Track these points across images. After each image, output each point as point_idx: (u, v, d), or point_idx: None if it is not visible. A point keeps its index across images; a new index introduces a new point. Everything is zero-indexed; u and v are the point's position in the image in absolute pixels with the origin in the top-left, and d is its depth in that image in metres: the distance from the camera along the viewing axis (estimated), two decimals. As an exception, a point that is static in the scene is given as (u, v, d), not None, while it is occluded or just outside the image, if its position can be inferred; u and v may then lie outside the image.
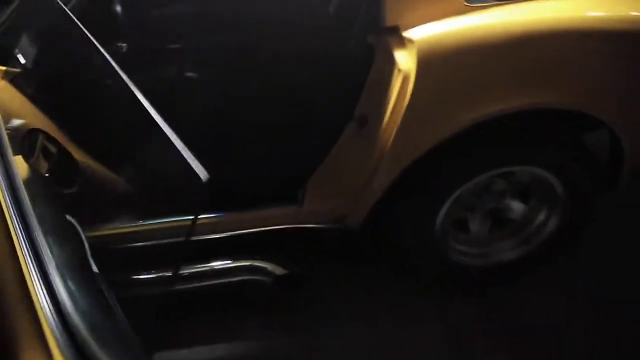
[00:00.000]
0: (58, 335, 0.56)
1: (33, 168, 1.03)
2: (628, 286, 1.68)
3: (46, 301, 0.59)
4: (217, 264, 1.49)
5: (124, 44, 1.49)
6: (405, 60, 1.32)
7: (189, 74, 1.65)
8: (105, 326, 0.70)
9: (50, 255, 0.67)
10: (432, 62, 1.30)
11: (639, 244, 1.79)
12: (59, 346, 0.55)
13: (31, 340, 0.55)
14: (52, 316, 0.58)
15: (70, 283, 0.67)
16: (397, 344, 1.54)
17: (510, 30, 1.35)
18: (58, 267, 0.67)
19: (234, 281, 1.50)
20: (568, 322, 1.61)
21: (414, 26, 1.33)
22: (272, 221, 1.52)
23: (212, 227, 1.46)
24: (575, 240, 1.65)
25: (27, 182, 0.84)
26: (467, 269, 1.65)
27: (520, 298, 1.67)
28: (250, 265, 1.50)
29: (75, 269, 0.76)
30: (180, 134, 0.75)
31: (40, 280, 0.62)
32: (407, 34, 1.32)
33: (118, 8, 1.55)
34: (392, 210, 1.52)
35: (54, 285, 0.62)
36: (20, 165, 0.91)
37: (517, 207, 1.64)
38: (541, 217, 1.62)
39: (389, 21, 1.34)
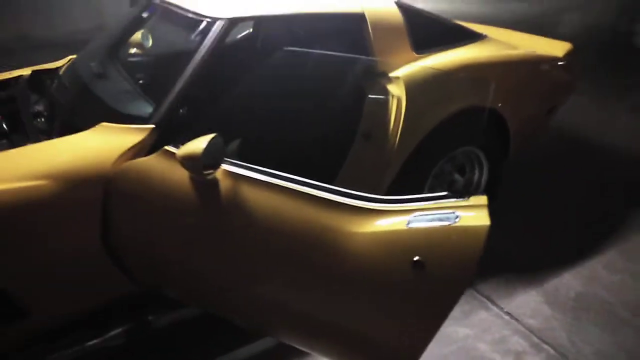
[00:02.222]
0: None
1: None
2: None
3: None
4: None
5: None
6: (396, 90, 2.10)
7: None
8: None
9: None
10: (412, 88, 2.11)
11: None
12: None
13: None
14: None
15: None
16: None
17: (448, 65, 2.24)
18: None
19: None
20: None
21: (392, 71, 2.13)
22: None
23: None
24: (497, 187, 2.57)
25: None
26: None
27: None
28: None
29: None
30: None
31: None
32: (392, 75, 2.12)
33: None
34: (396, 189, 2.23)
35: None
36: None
37: (458, 178, 2.52)
38: (475, 178, 2.53)
39: (381, 69, 2.12)
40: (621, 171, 3.27)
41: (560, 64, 2.76)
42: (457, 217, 1.20)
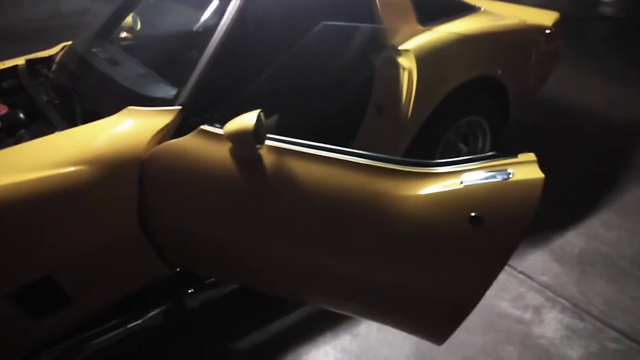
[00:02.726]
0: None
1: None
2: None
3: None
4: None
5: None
6: (406, 62, 2.14)
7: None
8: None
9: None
10: (422, 59, 2.15)
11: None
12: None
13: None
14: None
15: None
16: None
17: (453, 37, 2.29)
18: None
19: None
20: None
21: (401, 44, 2.17)
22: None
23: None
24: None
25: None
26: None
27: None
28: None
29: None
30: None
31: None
32: (402, 47, 2.15)
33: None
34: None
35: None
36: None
37: (463, 148, 2.60)
38: (479, 145, 2.62)
39: (390, 43, 2.16)
40: (605, 137, 3.44)
41: (550, 32, 2.87)
42: (509, 173, 1.26)
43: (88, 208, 1.50)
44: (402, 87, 2.18)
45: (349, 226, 1.38)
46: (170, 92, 1.74)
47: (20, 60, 2.33)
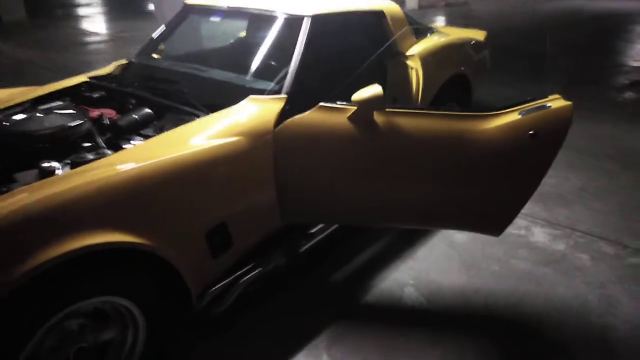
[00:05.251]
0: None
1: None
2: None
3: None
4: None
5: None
6: (413, 64, 2.92)
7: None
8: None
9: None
10: (424, 58, 2.96)
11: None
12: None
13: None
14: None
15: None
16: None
17: (438, 45, 3.16)
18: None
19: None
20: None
21: (405, 51, 2.97)
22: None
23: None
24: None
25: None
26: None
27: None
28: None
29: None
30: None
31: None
32: (407, 54, 2.95)
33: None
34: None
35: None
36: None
37: (456, 105, 3.44)
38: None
39: (399, 50, 2.94)
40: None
41: (484, 43, 3.90)
42: (549, 105, 2.04)
43: (243, 168, 2.00)
44: (411, 82, 2.96)
45: (444, 157, 2.06)
46: (270, 85, 2.30)
47: (82, 77, 2.68)
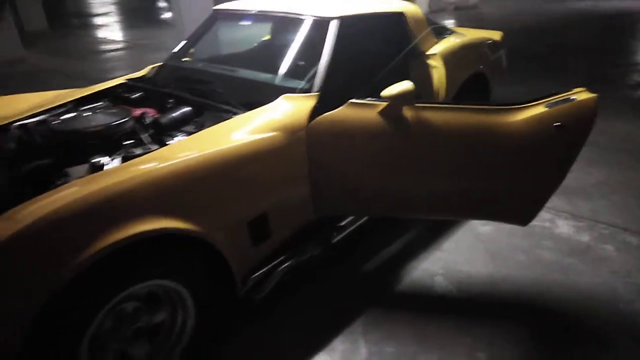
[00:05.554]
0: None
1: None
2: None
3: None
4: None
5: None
6: (435, 62, 3.01)
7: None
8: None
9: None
10: (445, 58, 3.05)
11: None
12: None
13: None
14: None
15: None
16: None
17: (457, 45, 3.24)
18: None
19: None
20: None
21: (427, 51, 3.06)
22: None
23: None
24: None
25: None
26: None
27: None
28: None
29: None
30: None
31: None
32: (428, 53, 3.03)
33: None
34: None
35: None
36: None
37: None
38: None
39: (422, 49, 3.02)
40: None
41: (500, 43, 3.97)
42: (574, 97, 2.11)
43: (280, 162, 2.09)
44: (433, 80, 3.04)
45: (473, 149, 2.13)
46: (301, 84, 2.39)
47: (120, 80, 2.82)
